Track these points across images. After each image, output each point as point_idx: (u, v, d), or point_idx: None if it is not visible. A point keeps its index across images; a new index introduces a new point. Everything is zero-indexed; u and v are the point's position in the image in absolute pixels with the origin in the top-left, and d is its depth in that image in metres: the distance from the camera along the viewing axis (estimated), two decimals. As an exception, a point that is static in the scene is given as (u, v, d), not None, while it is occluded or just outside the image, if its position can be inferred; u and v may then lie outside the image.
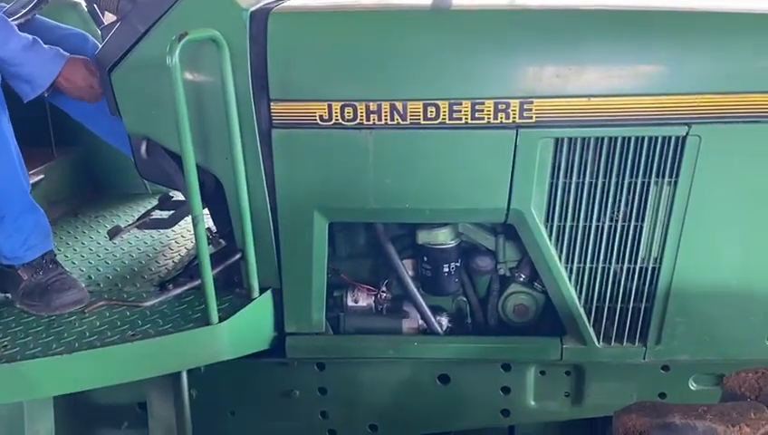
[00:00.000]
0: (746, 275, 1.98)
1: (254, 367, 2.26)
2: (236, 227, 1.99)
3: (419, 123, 1.86)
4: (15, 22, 2.20)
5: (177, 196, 2.47)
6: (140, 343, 1.87)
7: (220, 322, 1.92)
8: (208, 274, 1.86)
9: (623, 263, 2.00)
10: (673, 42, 1.81)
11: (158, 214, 2.34)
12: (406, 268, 2.18)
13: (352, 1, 2.14)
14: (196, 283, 1.98)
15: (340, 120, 1.87)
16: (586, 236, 1.98)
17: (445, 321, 2.24)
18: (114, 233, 2.08)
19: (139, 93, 1.95)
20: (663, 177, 1.89)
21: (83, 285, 2.11)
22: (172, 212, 2.18)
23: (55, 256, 2.16)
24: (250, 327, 2.04)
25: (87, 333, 1.91)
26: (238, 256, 2.00)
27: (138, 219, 2.19)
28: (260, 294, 2.04)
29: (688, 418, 1.31)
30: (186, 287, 2.05)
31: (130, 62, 1.92)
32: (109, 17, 2.32)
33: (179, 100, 1.70)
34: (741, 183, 1.88)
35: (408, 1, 2.11)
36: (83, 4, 2.95)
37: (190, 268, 2.21)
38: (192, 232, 1.89)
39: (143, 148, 2.02)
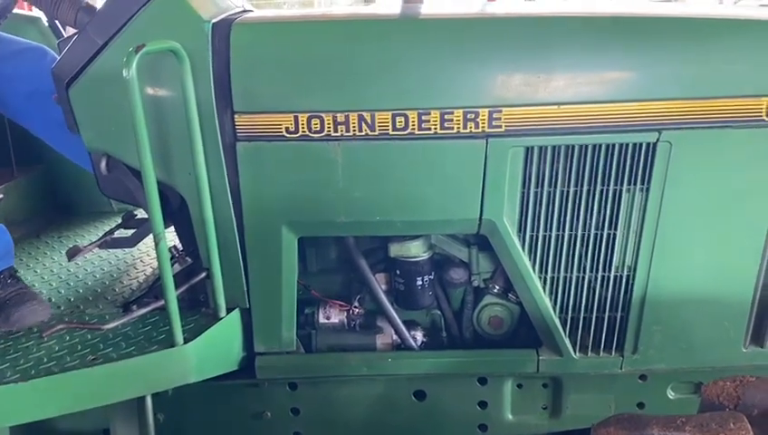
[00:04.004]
0: (721, 281, 1.96)
1: (224, 389, 2.18)
2: (201, 245, 1.92)
3: (388, 134, 1.82)
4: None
5: (142, 214, 2.40)
6: (101, 368, 1.79)
7: (185, 343, 1.84)
8: (172, 293, 1.79)
9: (597, 272, 1.98)
10: (642, 48, 1.80)
11: (121, 233, 2.27)
12: (378, 282, 2.14)
13: (317, 11, 2.10)
14: (160, 303, 1.90)
15: (307, 132, 1.83)
16: (559, 246, 1.96)
17: (419, 335, 2.19)
18: (73, 253, 1.99)
19: (97, 108, 1.88)
20: (635, 184, 1.87)
21: (44, 299, 2.02)
22: (134, 230, 2.10)
23: (16, 271, 2.08)
24: (217, 348, 1.97)
25: (45, 359, 1.82)
26: (203, 274, 1.93)
27: (99, 238, 2.11)
28: (227, 314, 1.97)
29: (667, 430, 1.28)
30: (149, 308, 1.97)
31: (89, 76, 1.86)
32: (71, 31, 2.26)
33: (137, 113, 1.64)
34: (712, 188, 1.87)
35: (374, 10, 2.08)
36: (43, 18, 2.89)
37: (155, 288, 2.14)
38: None
39: (103, 164, 1.95)
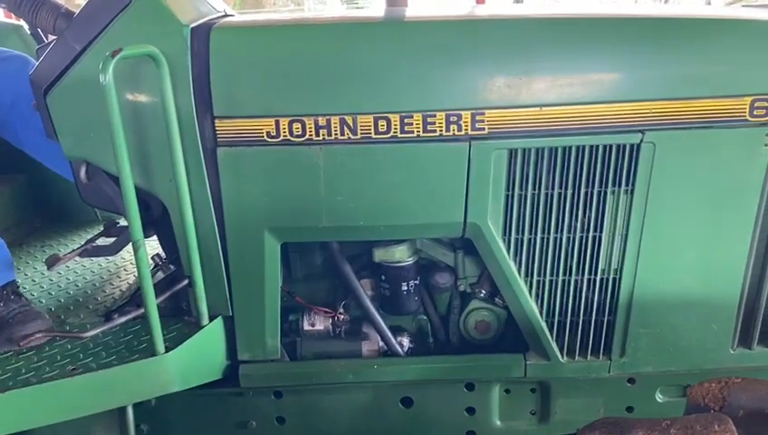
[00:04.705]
0: (707, 282, 1.95)
1: (208, 398, 2.15)
2: (183, 252, 1.90)
3: (370, 137, 1.80)
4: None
5: (125, 222, 2.37)
6: (81, 378, 1.75)
7: (167, 352, 1.82)
8: (152, 301, 1.76)
9: (583, 275, 1.96)
10: (624, 49, 1.79)
11: (103, 241, 2.24)
12: (364, 288, 2.12)
13: (297, 15, 2.09)
14: (141, 311, 1.88)
15: (289, 136, 1.81)
16: (545, 249, 1.94)
17: (406, 341, 2.17)
18: (53, 262, 1.96)
19: (76, 115, 1.86)
20: (619, 185, 1.86)
21: (47, 317, 1.98)
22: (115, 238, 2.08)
23: (18, 287, 2.04)
24: (200, 356, 1.94)
25: (23, 370, 1.79)
26: (185, 282, 1.91)
27: (80, 247, 2.08)
28: (210, 321, 1.95)
29: (652, 433, 1.26)
30: (130, 316, 1.94)
31: (67, 82, 1.83)
32: (52, 38, 2.24)
33: (114, 119, 1.62)
34: (697, 189, 1.85)
35: (355, 13, 2.07)
36: (26, 26, 2.86)
37: (136, 297, 2.11)
38: None
39: (83, 172, 1.93)
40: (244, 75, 1.80)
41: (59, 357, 1.85)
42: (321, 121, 1.79)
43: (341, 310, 2.14)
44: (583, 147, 1.82)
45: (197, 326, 1.93)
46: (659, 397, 2.16)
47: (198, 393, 2.00)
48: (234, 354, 2.04)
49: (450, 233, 1.98)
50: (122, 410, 1.94)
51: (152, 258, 2.16)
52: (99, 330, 1.91)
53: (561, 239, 1.93)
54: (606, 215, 1.89)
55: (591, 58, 1.80)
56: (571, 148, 1.82)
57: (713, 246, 1.92)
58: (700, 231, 1.90)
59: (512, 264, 1.95)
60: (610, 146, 1.82)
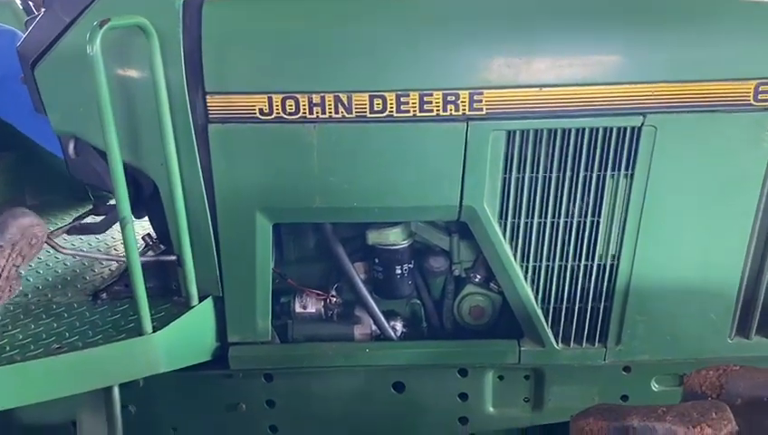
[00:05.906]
0: (706, 270, 1.92)
1: (197, 380, 2.12)
2: (172, 231, 1.86)
3: (365, 116, 1.76)
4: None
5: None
6: (66, 357, 1.72)
7: (154, 331, 1.78)
8: (139, 279, 1.73)
9: (580, 260, 1.93)
10: (626, 30, 1.75)
11: (92, 219, 2.20)
12: (357, 271, 2.08)
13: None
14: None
15: (282, 114, 1.76)
16: (541, 234, 1.91)
17: (399, 326, 2.14)
18: (40, 239, 1.92)
19: (64, 89, 1.82)
20: (619, 169, 1.82)
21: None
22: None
23: None
24: (188, 337, 1.91)
25: (7, 348, 1.75)
26: (173, 257, 1.86)
27: (67, 224, 2.05)
28: (199, 302, 1.91)
29: (647, 420, 1.23)
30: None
31: (55, 54, 1.80)
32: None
33: (101, 92, 1.58)
34: (698, 174, 1.82)
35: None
36: (17, 0, 2.82)
37: (125, 276, 2.07)
38: None
39: (71, 147, 1.90)
40: (236, 50, 1.76)
41: (44, 335, 1.82)
42: (316, 99, 1.75)
43: (334, 293, 2.11)
44: (583, 129, 1.78)
45: (186, 307, 1.90)
46: (655, 386, 2.13)
47: (187, 375, 1.98)
48: (223, 336, 2.01)
49: (445, 216, 1.95)
50: (108, 390, 1.91)
51: (143, 238, 2.13)
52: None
53: (558, 224, 1.89)
54: (605, 199, 1.86)
55: (593, 38, 1.76)
56: (570, 130, 1.79)
57: (713, 233, 1.89)
58: (700, 218, 1.87)
59: (507, 248, 1.91)
60: (611, 129, 1.78)
